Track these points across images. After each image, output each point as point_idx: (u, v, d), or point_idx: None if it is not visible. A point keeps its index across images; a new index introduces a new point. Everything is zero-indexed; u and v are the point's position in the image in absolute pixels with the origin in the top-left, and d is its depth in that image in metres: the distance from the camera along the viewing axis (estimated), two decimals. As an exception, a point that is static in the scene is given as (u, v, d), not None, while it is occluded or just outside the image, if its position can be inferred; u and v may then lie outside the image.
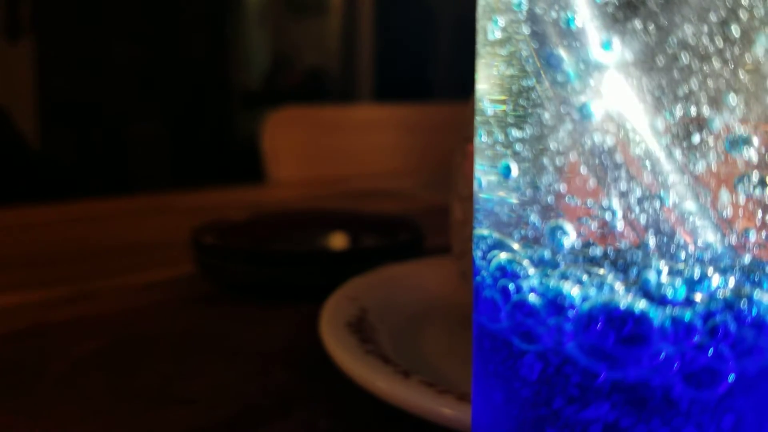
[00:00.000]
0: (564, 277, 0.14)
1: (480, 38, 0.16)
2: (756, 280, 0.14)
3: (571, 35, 0.14)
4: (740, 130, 0.14)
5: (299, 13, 3.09)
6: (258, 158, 1.44)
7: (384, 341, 0.37)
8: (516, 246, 0.15)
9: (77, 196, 1.43)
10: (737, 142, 0.14)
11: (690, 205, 0.14)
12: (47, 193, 1.45)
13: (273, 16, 3.13)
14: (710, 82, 0.14)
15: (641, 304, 0.14)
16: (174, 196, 1.19)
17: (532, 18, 0.15)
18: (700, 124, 0.14)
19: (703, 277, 0.14)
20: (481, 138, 0.16)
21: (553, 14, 0.14)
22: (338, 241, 0.62)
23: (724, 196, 0.14)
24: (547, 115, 0.15)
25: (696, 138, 0.14)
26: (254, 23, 3.10)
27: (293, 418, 0.35)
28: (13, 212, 0.93)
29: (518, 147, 0.15)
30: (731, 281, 0.14)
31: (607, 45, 0.14)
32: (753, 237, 0.14)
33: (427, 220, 0.64)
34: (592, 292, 0.14)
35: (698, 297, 0.14)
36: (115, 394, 0.38)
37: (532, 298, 0.14)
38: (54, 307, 0.52)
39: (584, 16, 0.14)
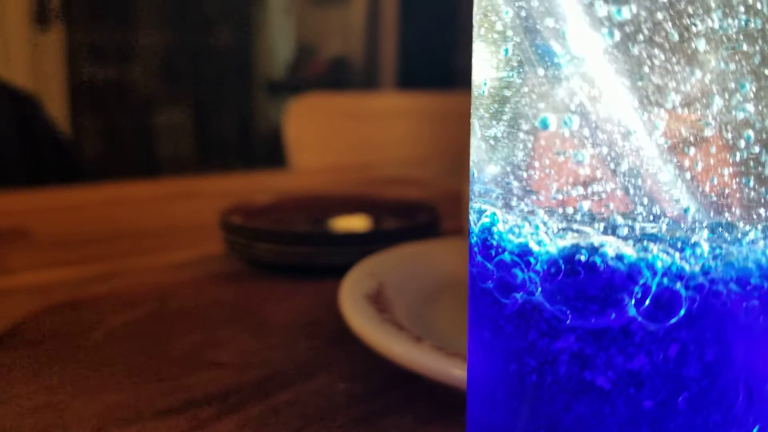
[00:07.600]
0: (533, 237, 0.17)
1: (474, 33, 0.19)
2: (699, 230, 0.16)
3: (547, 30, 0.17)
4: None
5: (323, 2, 3.11)
6: (281, 145, 1.46)
7: (399, 312, 0.40)
8: (497, 212, 0.18)
9: (105, 180, 1.46)
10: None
11: (645, 166, 0.16)
12: (77, 177, 1.49)
13: (297, 5, 3.15)
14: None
15: (601, 253, 0.16)
16: (201, 181, 1.21)
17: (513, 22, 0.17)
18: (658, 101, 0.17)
19: (651, 233, 0.16)
20: (475, 120, 0.19)
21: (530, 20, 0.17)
22: (358, 223, 0.65)
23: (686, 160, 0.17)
24: (523, 101, 0.17)
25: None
26: (279, 12, 3.12)
27: (315, 382, 0.38)
28: (47, 195, 0.96)
29: (498, 129, 0.18)
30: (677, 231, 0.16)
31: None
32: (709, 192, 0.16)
33: (445, 205, 0.66)
34: (555, 250, 0.17)
35: (648, 245, 0.16)
36: (148, 359, 0.41)
37: (507, 256, 0.17)
38: (90, 283, 0.55)
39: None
